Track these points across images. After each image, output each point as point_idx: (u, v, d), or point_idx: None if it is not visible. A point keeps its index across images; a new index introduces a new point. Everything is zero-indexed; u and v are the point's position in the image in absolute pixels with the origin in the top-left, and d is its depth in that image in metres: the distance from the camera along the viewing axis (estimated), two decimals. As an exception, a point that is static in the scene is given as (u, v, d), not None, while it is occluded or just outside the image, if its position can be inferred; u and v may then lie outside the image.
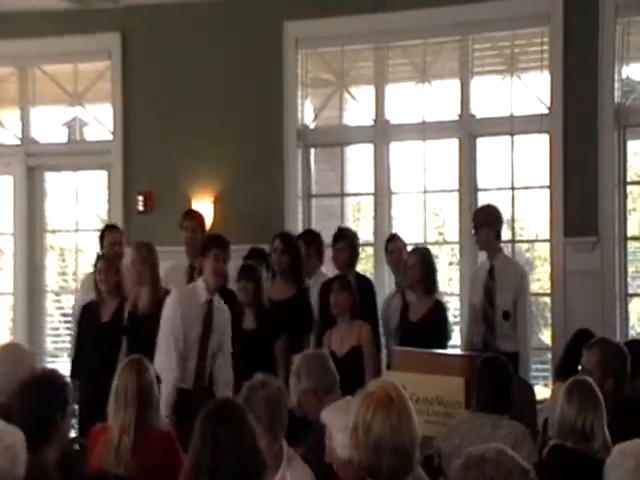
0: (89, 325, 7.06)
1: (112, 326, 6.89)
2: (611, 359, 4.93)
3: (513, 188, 7.93)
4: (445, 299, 7.46)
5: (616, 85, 7.50)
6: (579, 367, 5.08)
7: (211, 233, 6.97)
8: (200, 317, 6.32)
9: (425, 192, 8.26)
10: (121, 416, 4.55)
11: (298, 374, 4.91)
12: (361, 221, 8.66)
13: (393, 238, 7.52)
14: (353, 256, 7.35)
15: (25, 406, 4.09)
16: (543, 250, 8.02)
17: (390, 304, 7.29)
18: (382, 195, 8.28)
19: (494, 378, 5.00)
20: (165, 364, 6.06)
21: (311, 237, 7.56)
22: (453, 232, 8.29)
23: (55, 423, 4.12)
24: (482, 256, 7.43)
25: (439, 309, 6.92)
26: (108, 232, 7.72)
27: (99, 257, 7.26)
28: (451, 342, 7.14)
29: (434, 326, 6.78)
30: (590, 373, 4.77)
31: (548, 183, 7.71)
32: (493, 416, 4.89)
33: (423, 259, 6.94)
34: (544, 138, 7.75)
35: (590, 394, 4.43)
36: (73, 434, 6.23)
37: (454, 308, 7.87)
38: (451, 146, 8.12)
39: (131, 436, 4.52)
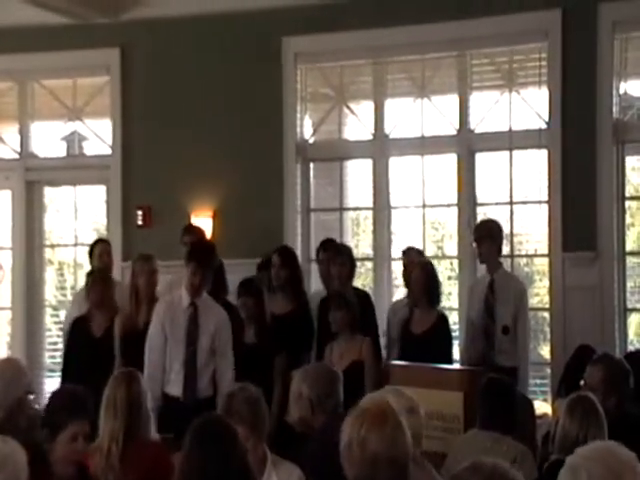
0: (80, 340, 7.10)
1: (105, 341, 6.93)
2: (615, 376, 4.94)
3: (512, 203, 7.95)
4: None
5: (614, 101, 7.52)
6: (581, 382, 5.08)
7: (197, 243, 6.94)
8: (183, 320, 6.45)
9: (424, 206, 8.27)
10: (110, 425, 4.59)
11: (305, 379, 4.83)
12: (360, 235, 8.67)
13: (407, 251, 7.52)
14: (353, 270, 7.34)
15: None
16: (542, 265, 8.02)
17: (396, 314, 7.27)
18: (381, 209, 8.30)
19: (497, 399, 5.01)
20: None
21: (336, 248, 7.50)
22: (452, 246, 8.30)
23: None
24: (481, 270, 7.44)
25: (444, 323, 6.91)
26: (96, 245, 7.90)
27: (89, 272, 7.38)
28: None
29: (439, 340, 6.76)
30: (593, 389, 4.78)
31: (547, 198, 7.72)
32: (495, 433, 4.90)
33: (426, 272, 6.94)
34: (542, 153, 7.76)
35: (592, 410, 4.43)
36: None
37: (453, 322, 7.85)
38: (450, 161, 8.14)
39: (120, 444, 4.54)
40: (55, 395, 4.40)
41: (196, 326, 6.45)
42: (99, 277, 7.19)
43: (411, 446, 3.31)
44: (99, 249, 7.81)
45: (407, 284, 7.25)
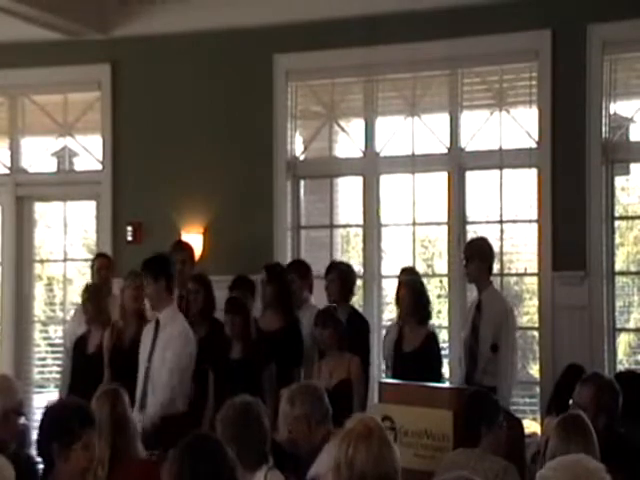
0: (76, 358, 7.21)
1: (97, 358, 6.95)
2: (605, 396, 4.94)
3: (502, 221, 7.97)
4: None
5: (604, 121, 7.56)
6: (570, 402, 5.08)
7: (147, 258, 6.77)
8: (150, 338, 6.49)
9: (414, 224, 8.28)
10: None
11: (292, 401, 4.89)
12: (350, 252, 8.67)
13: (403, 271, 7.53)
14: (344, 289, 7.35)
15: None
16: (531, 284, 8.04)
17: (389, 332, 7.27)
18: (371, 227, 8.30)
19: (473, 412, 5.02)
20: None
21: (302, 267, 7.57)
22: (442, 264, 8.32)
23: None
24: (471, 289, 7.45)
25: (433, 340, 6.93)
26: (96, 259, 8.06)
27: (84, 287, 7.47)
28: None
29: (428, 357, 6.78)
30: (583, 408, 4.78)
31: (536, 217, 7.74)
32: (477, 450, 4.91)
33: (413, 290, 6.95)
34: (532, 172, 7.79)
35: (583, 429, 4.42)
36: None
37: (443, 340, 7.86)
38: (440, 179, 8.16)
39: (106, 464, 4.52)
40: (60, 408, 4.36)
41: (154, 343, 6.45)
42: (91, 292, 7.27)
43: (399, 462, 3.30)
44: (98, 264, 7.96)
45: (396, 303, 7.28)
